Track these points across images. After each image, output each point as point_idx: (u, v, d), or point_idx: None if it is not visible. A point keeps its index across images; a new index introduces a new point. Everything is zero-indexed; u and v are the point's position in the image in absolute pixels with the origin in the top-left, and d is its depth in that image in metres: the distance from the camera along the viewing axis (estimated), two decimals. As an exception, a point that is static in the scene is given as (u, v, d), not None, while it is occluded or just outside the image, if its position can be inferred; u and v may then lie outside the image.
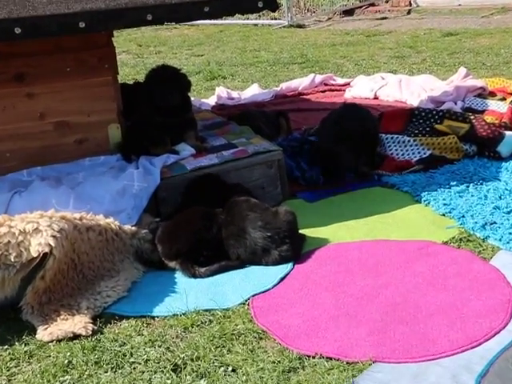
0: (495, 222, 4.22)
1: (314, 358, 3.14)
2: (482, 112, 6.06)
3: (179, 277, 3.98)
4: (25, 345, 3.44)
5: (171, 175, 4.63)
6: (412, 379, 2.95)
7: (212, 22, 13.69)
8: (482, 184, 4.78)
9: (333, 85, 8.10)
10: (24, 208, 3.92)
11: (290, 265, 3.97)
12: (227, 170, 4.73)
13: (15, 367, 3.30)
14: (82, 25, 4.08)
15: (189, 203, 4.36)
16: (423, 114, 5.73)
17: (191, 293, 3.77)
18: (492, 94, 6.57)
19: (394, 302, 3.51)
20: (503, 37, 10.38)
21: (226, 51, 11.37)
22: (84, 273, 3.85)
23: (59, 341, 3.44)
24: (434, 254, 3.97)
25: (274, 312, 3.53)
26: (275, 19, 13.87)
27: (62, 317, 3.59)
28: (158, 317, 3.61)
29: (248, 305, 3.64)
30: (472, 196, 4.62)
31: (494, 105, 6.21)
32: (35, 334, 3.51)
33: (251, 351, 3.24)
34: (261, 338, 3.34)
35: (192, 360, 3.20)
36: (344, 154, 5.01)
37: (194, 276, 3.94)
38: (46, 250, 3.57)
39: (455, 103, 6.41)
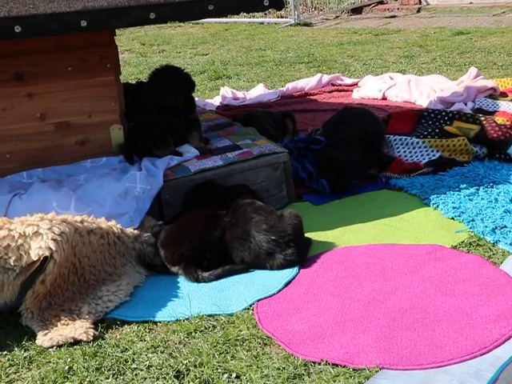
0: (506, 226, 4.16)
1: (319, 364, 3.10)
2: (493, 113, 5.98)
3: (182, 281, 3.93)
4: (24, 350, 3.40)
5: (174, 177, 4.58)
6: (420, 387, 2.90)
7: (217, 20, 13.69)
8: (492, 187, 4.72)
9: (340, 85, 8.06)
10: (24, 210, 3.87)
11: (295, 269, 3.92)
12: (232, 172, 4.68)
13: (14, 373, 3.26)
14: (83, 23, 4.04)
15: (192, 206, 4.32)
16: (432, 115, 5.67)
17: (194, 297, 3.73)
18: (503, 95, 6.50)
19: (402, 308, 3.46)
20: (515, 36, 10.31)
21: (231, 50, 11.34)
22: (85, 277, 3.80)
23: (59, 346, 3.40)
24: (442, 258, 3.91)
25: (279, 317, 3.49)
26: (282, 17, 13.85)
27: (62, 322, 3.55)
28: (160, 322, 3.56)
29: (252, 310, 3.59)
30: (482, 199, 4.56)
31: (505, 106, 6.13)
32: (35, 340, 3.47)
33: (255, 357, 3.19)
34: (265, 344, 3.30)
35: (195, 366, 3.16)
36: (346, 161, 4.94)
37: (198, 280, 3.89)
38: (47, 253, 3.52)
39: (465, 104, 6.34)
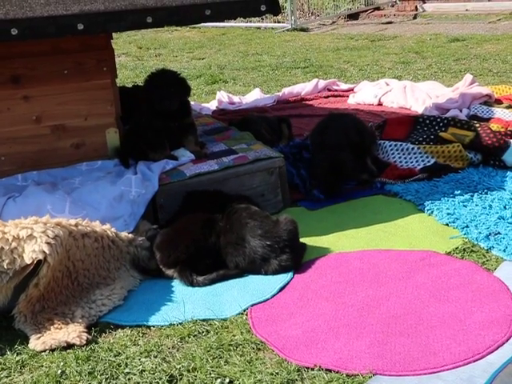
0: (499, 233, 4.16)
1: (313, 369, 3.09)
2: (488, 120, 6.01)
3: (176, 285, 3.92)
4: (17, 354, 3.39)
5: (170, 181, 4.57)
6: (413, 393, 2.90)
7: (214, 24, 13.71)
8: (486, 193, 4.73)
9: (336, 90, 8.07)
10: (18, 213, 3.86)
11: (289, 274, 3.91)
12: (227, 177, 4.67)
13: (6, 377, 3.24)
14: (80, 27, 4.03)
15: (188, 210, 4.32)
16: (428, 122, 5.68)
17: (188, 302, 3.72)
18: (498, 102, 6.52)
19: (396, 314, 3.45)
20: (510, 43, 10.35)
21: (228, 54, 11.35)
22: (79, 281, 3.79)
23: (52, 350, 3.38)
24: (436, 264, 3.91)
25: (273, 322, 3.48)
26: (278, 22, 13.88)
27: (55, 326, 3.53)
28: (154, 326, 3.55)
29: (246, 315, 3.58)
30: (476, 206, 4.56)
31: (499, 113, 6.16)
32: (28, 343, 3.45)
33: (249, 362, 3.18)
34: (259, 349, 3.29)
35: (188, 371, 3.15)
36: (331, 166, 4.94)
37: (192, 285, 3.88)
38: (40, 257, 3.51)
39: (460, 111, 6.36)
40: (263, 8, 4.42)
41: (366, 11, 14.99)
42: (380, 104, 7.32)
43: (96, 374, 3.18)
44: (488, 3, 13.88)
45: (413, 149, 5.28)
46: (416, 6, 14.57)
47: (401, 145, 5.36)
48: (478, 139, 5.27)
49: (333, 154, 4.97)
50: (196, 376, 3.10)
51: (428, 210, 4.60)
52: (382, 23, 13.81)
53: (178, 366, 3.17)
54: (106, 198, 4.27)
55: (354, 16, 14.78)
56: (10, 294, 3.56)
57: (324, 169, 4.93)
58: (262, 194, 4.75)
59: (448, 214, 4.47)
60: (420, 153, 5.24)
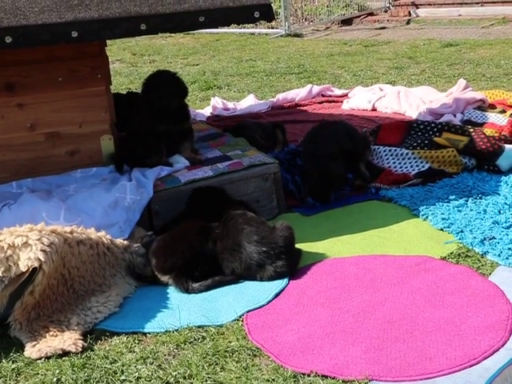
0: (494, 237, 4.16)
1: (309, 376, 3.08)
2: (482, 125, 6.02)
3: (172, 292, 3.92)
4: (12, 362, 3.37)
5: (164, 188, 4.57)
6: (409, 399, 2.90)
7: (208, 30, 13.71)
8: (481, 198, 4.73)
9: (330, 96, 8.08)
10: (13, 221, 3.85)
11: (285, 280, 3.91)
12: (222, 183, 4.66)
13: (2, 385, 3.24)
14: (74, 34, 4.03)
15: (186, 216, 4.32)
16: (422, 127, 5.69)
17: (184, 308, 3.71)
18: (492, 107, 6.54)
19: (391, 319, 3.45)
20: (503, 48, 10.38)
21: (222, 60, 11.35)
22: (74, 288, 3.78)
23: (48, 358, 3.37)
24: (431, 269, 3.91)
25: (269, 328, 3.47)
26: (272, 28, 13.90)
27: (51, 333, 3.53)
28: (149, 333, 3.54)
29: (242, 321, 3.58)
30: (471, 210, 4.57)
31: (493, 117, 6.17)
32: (23, 351, 3.44)
33: (245, 369, 3.17)
34: (255, 356, 3.28)
35: (184, 378, 3.14)
36: (322, 172, 4.94)
37: (188, 291, 3.87)
38: (36, 264, 3.50)
39: (454, 115, 6.37)
40: (257, 15, 4.42)
41: (359, 17, 15.03)
42: (374, 109, 7.34)
43: (92, 381, 3.17)
44: (481, 8, 13.95)
45: (407, 154, 5.29)
46: (409, 12, 14.62)
47: (395, 150, 5.37)
48: (472, 144, 5.28)
49: (322, 162, 4.96)
50: (192, 383, 3.09)
51: (423, 215, 4.60)
52: (376, 28, 13.84)
53: (174, 373, 3.16)
54: (100, 204, 4.27)
55: (347, 21, 14.81)
56: (6, 302, 3.54)
57: (313, 178, 4.93)
58: (257, 200, 4.75)
59: (443, 218, 4.47)
60: (414, 158, 5.25)
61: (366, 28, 14.13)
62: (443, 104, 6.62)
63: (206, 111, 7.69)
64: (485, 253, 4.05)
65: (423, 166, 5.18)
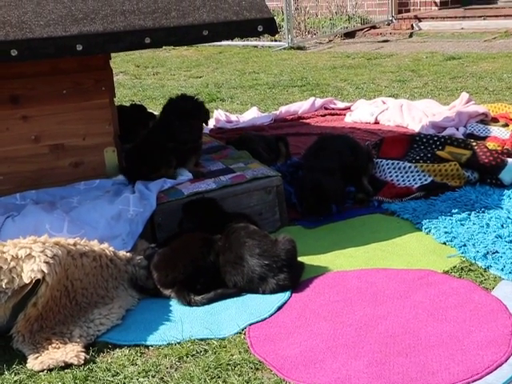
0: (497, 252, 4.15)
1: (311, 390, 3.07)
2: (484, 138, 6.03)
3: (174, 304, 3.91)
4: (15, 374, 3.37)
5: (167, 200, 4.57)
6: (412, 414, 2.89)
7: (211, 43, 13.69)
8: (483, 212, 4.73)
9: (333, 109, 8.09)
10: (17, 233, 3.86)
11: (287, 293, 3.91)
12: (225, 196, 4.67)
13: (4, 397, 3.23)
14: (79, 47, 4.05)
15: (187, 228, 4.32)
16: (424, 140, 5.69)
17: (186, 321, 3.71)
18: (494, 120, 6.55)
19: (394, 333, 3.44)
20: (506, 61, 10.39)
21: (225, 73, 11.38)
22: (77, 300, 3.78)
23: (50, 370, 3.36)
24: (434, 283, 3.90)
25: (271, 342, 3.47)
26: (275, 41, 13.92)
27: (53, 345, 3.52)
28: (152, 346, 3.53)
29: (244, 334, 3.57)
30: (474, 224, 4.56)
31: (496, 131, 6.18)
32: (26, 363, 3.43)
33: (247, 382, 3.17)
34: (257, 369, 3.28)
35: (186, 391, 3.12)
36: (319, 186, 4.94)
37: (190, 304, 3.87)
38: (39, 276, 3.49)
39: (457, 129, 6.38)
40: (260, 28, 4.44)
41: (362, 30, 15.07)
42: (377, 122, 7.34)
43: (94, 393, 3.17)
44: (483, 22, 13.98)
45: (410, 167, 5.30)
46: (412, 25, 14.66)
47: (398, 163, 5.37)
48: (474, 158, 5.28)
49: (316, 176, 4.97)
50: (194, 396, 3.09)
51: (425, 228, 4.60)
52: (379, 41, 13.87)
53: (176, 386, 3.15)
54: (104, 216, 4.27)
55: (350, 34, 14.85)
56: (9, 314, 3.54)
57: (306, 192, 4.94)
58: (259, 213, 4.75)
59: (445, 232, 4.47)
60: (417, 171, 5.25)
61: (368, 41, 14.16)
62: (446, 117, 6.63)
63: (209, 124, 7.68)
64: (488, 267, 4.04)
65: (426, 180, 5.18)
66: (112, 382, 3.24)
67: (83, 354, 3.45)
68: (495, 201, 4.89)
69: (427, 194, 5.10)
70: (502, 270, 3.97)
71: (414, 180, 5.21)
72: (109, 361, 3.43)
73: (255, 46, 14.10)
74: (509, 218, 4.56)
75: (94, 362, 3.42)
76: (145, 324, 3.72)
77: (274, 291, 3.90)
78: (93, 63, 4.66)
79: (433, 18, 14.67)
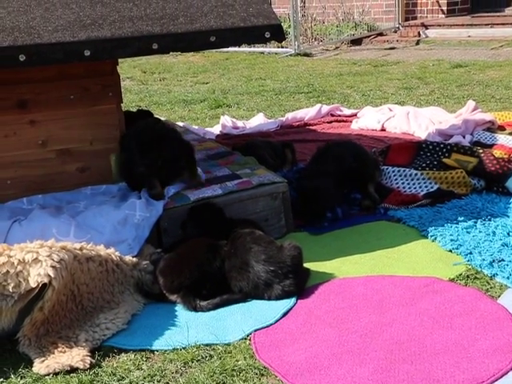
0: (503, 260, 4.15)
1: (316, 396, 3.07)
2: (491, 146, 6.02)
3: (180, 309, 3.91)
4: (21, 378, 3.37)
5: (174, 205, 4.58)
6: (417, 422, 2.89)
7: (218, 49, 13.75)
8: (490, 220, 4.72)
9: (339, 115, 8.10)
10: (24, 237, 3.86)
11: (293, 299, 3.91)
12: (231, 202, 4.68)
13: (10, 401, 3.23)
14: (87, 53, 4.06)
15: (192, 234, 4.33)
16: (431, 147, 5.69)
17: (192, 326, 3.71)
18: (501, 128, 6.54)
19: (399, 340, 3.44)
20: (513, 69, 10.39)
21: (232, 79, 11.40)
22: (83, 304, 3.79)
23: (56, 374, 3.37)
24: (440, 291, 3.90)
25: (276, 348, 3.47)
26: (282, 47, 13.94)
27: (59, 349, 3.52)
28: (157, 351, 3.54)
29: (249, 340, 3.57)
30: (480, 232, 4.56)
31: (503, 139, 6.17)
32: (32, 367, 3.44)
33: (252, 388, 3.16)
34: (262, 375, 3.27)
35: (191, 396, 3.13)
36: (315, 192, 4.95)
37: (196, 309, 3.87)
38: (45, 280, 3.50)
39: (463, 137, 6.38)
40: (267, 35, 4.45)
41: (368, 37, 15.09)
42: (383, 129, 7.35)
43: (99, 398, 3.18)
44: (490, 30, 13.97)
45: (416, 174, 5.30)
46: (419, 32, 14.66)
47: (404, 170, 5.37)
48: (481, 165, 5.29)
49: (313, 182, 4.98)
50: (199, 401, 3.10)
51: (431, 236, 4.60)
52: (385, 49, 13.88)
53: (182, 391, 3.16)
54: (110, 221, 4.28)
55: (356, 41, 14.87)
56: (15, 318, 3.55)
57: (302, 197, 4.94)
58: (265, 219, 4.76)
59: (451, 240, 4.46)
60: (423, 179, 5.25)
61: (375, 48, 14.17)
62: (452, 125, 6.63)
63: (216, 129, 7.72)
64: (494, 275, 4.03)
65: (432, 187, 5.18)
66: (117, 386, 3.25)
67: (89, 358, 3.45)
68: (501, 209, 4.88)
69: (433, 201, 5.09)
70: (508, 278, 3.96)
71: (420, 187, 5.20)
72: (114, 365, 3.44)
73: (262, 53, 14.13)
74: (515, 226, 4.56)
75: (100, 367, 3.42)
76: (150, 329, 3.73)
77: (279, 297, 3.90)
78: (100, 69, 4.67)
79: (440, 25, 14.68)
